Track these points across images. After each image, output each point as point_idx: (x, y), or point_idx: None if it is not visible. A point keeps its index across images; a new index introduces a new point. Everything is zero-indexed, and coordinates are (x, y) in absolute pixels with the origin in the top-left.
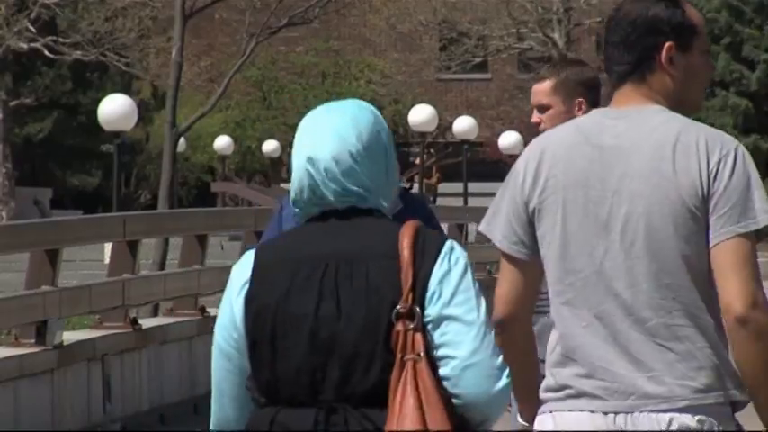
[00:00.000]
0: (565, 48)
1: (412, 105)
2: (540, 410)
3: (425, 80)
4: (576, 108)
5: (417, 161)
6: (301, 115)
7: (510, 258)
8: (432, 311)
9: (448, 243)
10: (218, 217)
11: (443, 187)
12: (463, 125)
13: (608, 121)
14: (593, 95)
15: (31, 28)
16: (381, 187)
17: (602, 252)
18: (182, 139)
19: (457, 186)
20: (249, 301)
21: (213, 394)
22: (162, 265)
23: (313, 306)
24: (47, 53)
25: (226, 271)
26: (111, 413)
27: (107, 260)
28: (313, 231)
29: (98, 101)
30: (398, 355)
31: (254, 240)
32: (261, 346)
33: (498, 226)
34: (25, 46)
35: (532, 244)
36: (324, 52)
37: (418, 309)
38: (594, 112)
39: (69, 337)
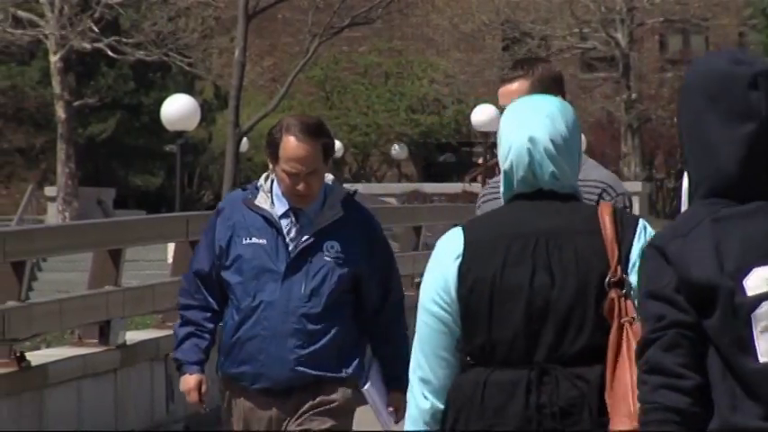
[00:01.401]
0: (627, 47)
1: (474, 105)
2: None
3: (488, 80)
4: None
5: (480, 161)
6: (364, 116)
7: None
8: (634, 280)
9: (641, 221)
10: None
11: None
12: None
13: None
14: (563, 92)
15: (95, 28)
16: (575, 174)
17: None
18: (244, 139)
19: None
20: (464, 273)
21: (415, 353)
22: None
23: (528, 277)
24: (110, 53)
25: None
26: (173, 413)
27: (170, 260)
28: (519, 210)
29: (161, 101)
30: (615, 320)
31: None
32: (477, 314)
33: None
34: (88, 46)
35: None
36: (387, 52)
37: (627, 277)
38: None
39: (132, 336)
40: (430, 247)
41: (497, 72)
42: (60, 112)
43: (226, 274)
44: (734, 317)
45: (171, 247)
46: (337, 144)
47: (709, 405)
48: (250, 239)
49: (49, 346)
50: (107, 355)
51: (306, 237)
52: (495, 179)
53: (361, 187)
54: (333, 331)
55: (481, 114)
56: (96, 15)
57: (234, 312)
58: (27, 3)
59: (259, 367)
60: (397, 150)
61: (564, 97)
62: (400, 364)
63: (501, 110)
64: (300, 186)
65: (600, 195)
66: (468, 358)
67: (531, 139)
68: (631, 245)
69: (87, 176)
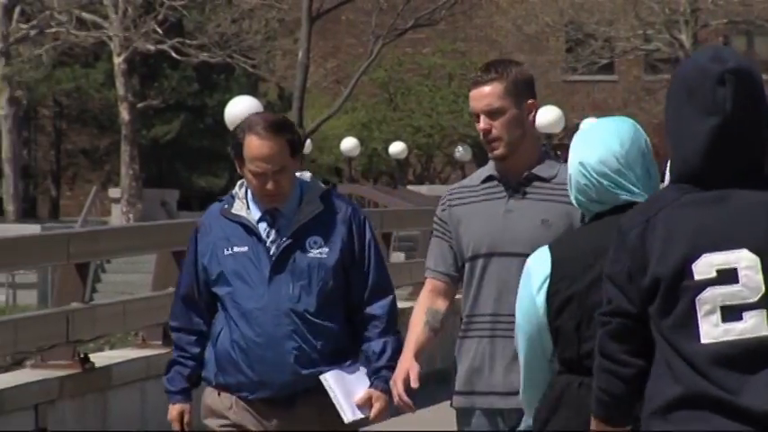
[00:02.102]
0: (691, 49)
1: (538, 107)
2: None
3: (552, 82)
4: (527, 111)
5: None
6: (427, 117)
7: None
8: None
9: None
10: None
11: None
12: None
13: None
14: (534, 95)
15: (158, 30)
16: (645, 185)
17: None
18: (308, 141)
19: None
20: (552, 293)
21: (522, 365)
22: None
23: None
24: (173, 55)
25: None
26: None
27: None
28: (600, 228)
29: (224, 103)
30: None
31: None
32: (567, 332)
33: None
34: (152, 48)
35: None
36: (450, 54)
37: None
38: None
39: None
40: None
41: (561, 74)
42: (124, 114)
43: (215, 288)
44: (679, 300)
45: None
46: (401, 146)
47: (643, 387)
48: (231, 249)
49: (112, 347)
50: (171, 356)
51: (285, 237)
52: (457, 184)
53: (425, 189)
54: (328, 330)
55: (545, 116)
56: (160, 17)
57: (225, 323)
58: (91, 4)
59: (258, 375)
60: (460, 152)
61: (535, 98)
62: (384, 358)
63: (474, 115)
64: (269, 186)
65: None
66: (560, 367)
67: (582, 164)
68: None
69: (151, 178)
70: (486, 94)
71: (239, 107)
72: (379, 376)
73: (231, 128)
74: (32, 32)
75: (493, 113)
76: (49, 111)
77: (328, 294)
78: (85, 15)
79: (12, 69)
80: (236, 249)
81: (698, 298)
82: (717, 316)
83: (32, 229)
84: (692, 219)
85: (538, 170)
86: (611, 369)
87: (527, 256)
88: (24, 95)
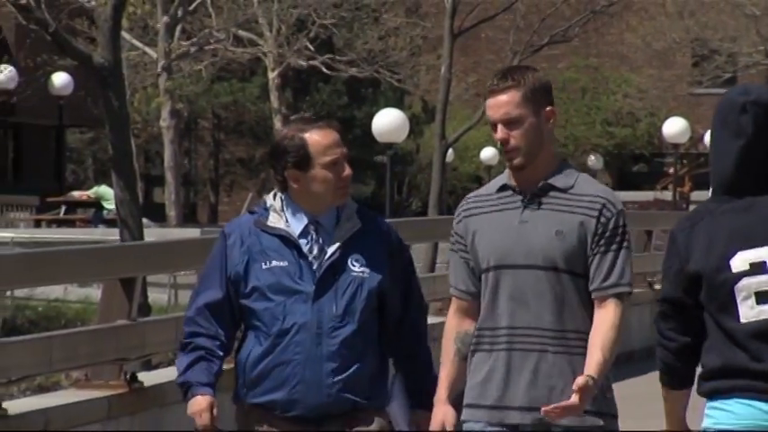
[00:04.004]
0: None
1: (666, 118)
2: None
3: (678, 94)
4: (546, 119)
5: (671, 171)
6: (562, 128)
7: None
8: None
9: None
10: None
11: (696, 195)
12: None
13: None
14: (551, 101)
15: (310, 47)
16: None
17: None
18: (450, 150)
19: (707, 195)
20: None
21: None
22: (432, 268)
23: None
24: (324, 70)
25: None
26: None
27: None
28: None
29: (372, 115)
30: None
31: None
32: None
33: None
34: (304, 63)
35: None
36: (583, 68)
37: None
38: None
39: None
40: (658, 249)
41: (687, 87)
42: (278, 126)
43: (248, 302)
44: (721, 289)
45: None
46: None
47: (693, 359)
48: (270, 263)
49: None
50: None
51: (329, 253)
52: (473, 193)
53: None
54: (367, 353)
55: (672, 127)
56: (311, 35)
57: (260, 339)
58: (247, 23)
59: (293, 394)
60: (593, 161)
61: (553, 105)
62: (424, 381)
63: (492, 124)
64: (346, 172)
65: (600, 211)
66: None
67: None
68: None
69: None
70: (503, 103)
71: (386, 119)
72: (422, 397)
73: (378, 138)
74: (193, 49)
75: (511, 123)
76: (208, 122)
77: (368, 316)
78: (242, 33)
79: (173, 84)
80: (275, 263)
81: (736, 287)
82: (752, 300)
83: (193, 233)
84: (728, 224)
85: (554, 180)
86: (662, 343)
87: (541, 268)
88: (185, 108)
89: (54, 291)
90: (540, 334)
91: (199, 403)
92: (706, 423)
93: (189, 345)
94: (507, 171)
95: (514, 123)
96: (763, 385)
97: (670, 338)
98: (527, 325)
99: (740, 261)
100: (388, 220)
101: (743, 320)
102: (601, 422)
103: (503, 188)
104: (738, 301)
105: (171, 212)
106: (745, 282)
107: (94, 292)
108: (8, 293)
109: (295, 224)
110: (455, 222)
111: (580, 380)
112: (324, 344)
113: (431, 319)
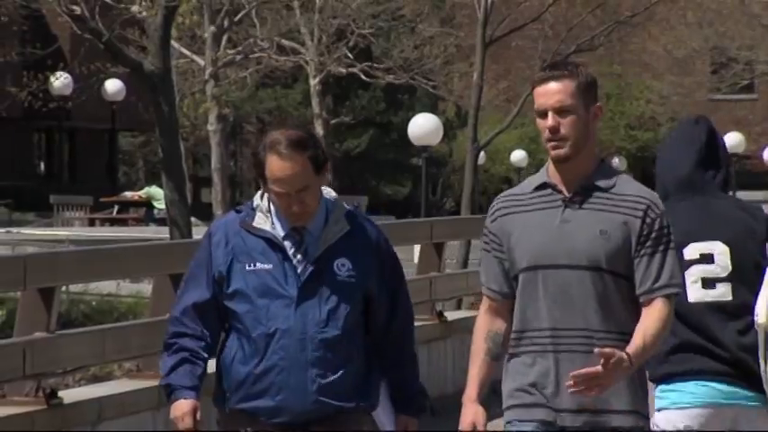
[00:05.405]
0: None
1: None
2: None
3: (698, 100)
4: (593, 115)
5: None
6: None
7: None
8: None
9: None
10: None
11: None
12: (732, 140)
13: None
14: (597, 97)
15: (349, 55)
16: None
17: None
18: (482, 153)
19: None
20: None
21: None
22: (465, 264)
23: None
24: (363, 77)
25: None
26: None
27: (416, 260)
28: None
29: (408, 119)
30: None
31: None
32: None
33: None
34: (344, 71)
35: None
36: (608, 75)
37: None
38: None
39: None
40: None
41: (706, 93)
42: (319, 130)
43: (230, 303)
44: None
45: (416, 248)
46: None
47: None
48: (254, 265)
49: None
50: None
51: (314, 257)
52: (506, 192)
53: None
54: (352, 358)
55: None
56: (351, 44)
57: (243, 343)
58: (290, 33)
59: (278, 400)
60: (617, 163)
61: (597, 102)
62: (410, 387)
63: (540, 112)
64: (295, 207)
65: (645, 212)
66: None
67: None
68: None
69: (343, 187)
70: (557, 91)
71: (421, 123)
72: (408, 403)
73: (414, 141)
74: (238, 57)
75: (563, 111)
76: (253, 127)
77: (353, 321)
78: (285, 42)
79: (220, 90)
80: (259, 266)
81: (687, 272)
82: (699, 284)
83: None
84: (685, 218)
85: (595, 179)
86: None
87: (584, 268)
88: (231, 113)
89: (107, 286)
90: (585, 335)
91: (181, 407)
92: (661, 404)
93: (173, 345)
94: (544, 169)
95: (566, 112)
96: (718, 366)
97: None
98: (572, 326)
99: (692, 251)
100: (420, 219)
101: (691, 300)
102: (643, 423)
103: (541, 187)
104: (688, 283)
105: (218, 212)
106: (694, 268)
107: (146, 288)
108: (63, 288)
109: (280, 226)
110: (489, 221)
111: (609, 350)
112: (308, 349)
113: (465, 313)
